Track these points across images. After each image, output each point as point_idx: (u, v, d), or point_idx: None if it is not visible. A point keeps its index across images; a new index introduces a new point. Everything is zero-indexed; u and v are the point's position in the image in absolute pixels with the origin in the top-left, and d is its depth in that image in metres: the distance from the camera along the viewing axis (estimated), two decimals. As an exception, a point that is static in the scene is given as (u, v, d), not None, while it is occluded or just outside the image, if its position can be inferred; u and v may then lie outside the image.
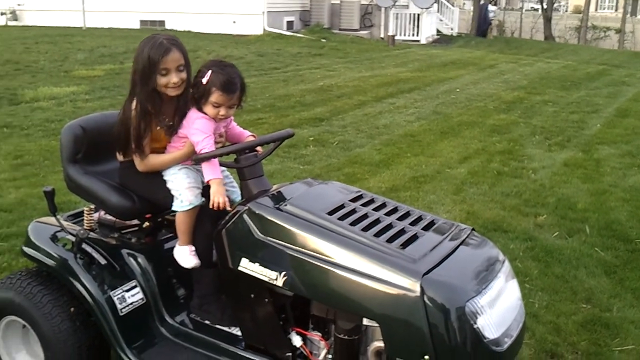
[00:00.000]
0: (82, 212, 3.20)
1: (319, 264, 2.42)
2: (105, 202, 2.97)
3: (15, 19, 22.25)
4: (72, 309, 2.87)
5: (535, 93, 12.47)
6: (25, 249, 3.07)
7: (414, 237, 2.51)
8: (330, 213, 2.57)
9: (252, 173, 2.79)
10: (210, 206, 2.74)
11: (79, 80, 11.54)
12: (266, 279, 2.54)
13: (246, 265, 2.60)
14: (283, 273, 2.50)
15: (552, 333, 3.85)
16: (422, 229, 2.58)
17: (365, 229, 2.49)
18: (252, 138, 3.02)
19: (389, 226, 2.56)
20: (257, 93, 11.34)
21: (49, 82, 11.15)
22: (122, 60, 14.09)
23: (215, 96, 2.76)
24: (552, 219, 5.76)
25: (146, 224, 3.11)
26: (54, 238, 3.04)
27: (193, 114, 2.84)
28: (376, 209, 2.68)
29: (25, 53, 14.43)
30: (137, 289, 2.94)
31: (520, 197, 6.37)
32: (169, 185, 2.89)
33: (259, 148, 2.92)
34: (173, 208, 2.87)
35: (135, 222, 3.15)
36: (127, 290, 2.91)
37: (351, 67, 15.54)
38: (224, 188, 2.77)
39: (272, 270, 2.53)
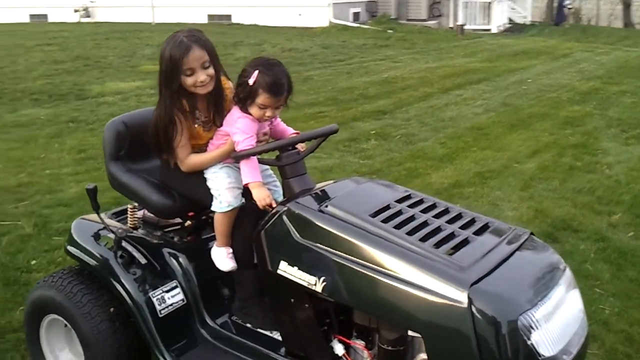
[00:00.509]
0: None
1: (359, 269, 2.25)
2: (146, 200, 2.90)
3: (88, 16, 22.91)
4: (111, 309, 2.81)
5: (612, 83, 11.83)
6: (69, 247, 3.04)
7: (465, 242, 2.31)
8: (374, 215, 2.40)
9: (294, 171, 2.65)
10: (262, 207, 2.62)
11: (145, 75, 11.70)
12: (305, 284, 2.39)
13: (285, 269, 2.47)
14: (322, 278, 2.35)
15: (624, 343, 3.56)
16: (474, 233, 2.37)
17: (411, 232, 2.31)
18: (295, 135, 2.87)
19: (437, 230, 2.36)
20: (320, 86, 11.23)
21: (116, 77, 11.36)
22: (188, 55, 14.23)
23: (262, 98, 2.63)
24: (627, 217, 5.38)
25: (188, 222, 3.03)
26: (96, 236, 2.99)
27: (236, 112, 2.72)
28: (424, 211, 2.49)
29: (95, 49, 14.79)
30: (178, 290, 2.86)
31: (593, 194, 6.00)
32: (209, 183, 2.78)
33: (301, 145, 2.77)
34: (212, 208, 2.76)
35: (178, 220, 3.07)
36: (167, 291, 2.83)
37: (417, 58, 15.20)
38: (265, 189, 2.63)
39: (311, 275, 2.38)
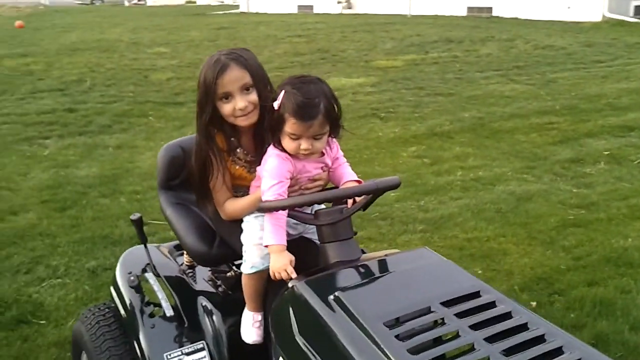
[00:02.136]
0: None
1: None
2: (182, 240, 2.44)
3: (350, 7, 23.42)
4: (129, 362, 2.42)
5: None
6: (112, 287, 2.71)
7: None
8: (393, 324, 1.63)
9: (333, 235, 1.99)
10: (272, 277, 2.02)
11: (374, 72, 11.37)
12: (298, 401, 1.74)
13: None
14: (313, 403, 1.67)
15: None
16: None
17: (433, 363, 1.51)
18: (352, 184, 2.17)
19: (484, 364, 1.53)
20: (562, 91, 9.84)
21: (343, 73, 11.18)
22: (427, 50, 13.64)
23: (289, 125, 1.99)
24: None
25: (231, 272, 2.51)
26: (136, 273, 2.62)
27: (269, 150, 2.12)
28: (480, 325, 1.64)
29: (340, 42, 14.88)
30: (203, 353, 2.36)
31: None
32: (242, 235, 2.23)
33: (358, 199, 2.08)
34: (241, 267, 2.21)
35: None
36: (189, 353, 2.33)
37: None
38: (286, 257, 1.99)
39: (303, 392, 1.72)
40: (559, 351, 1.57)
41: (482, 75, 11.17)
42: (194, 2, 39.98)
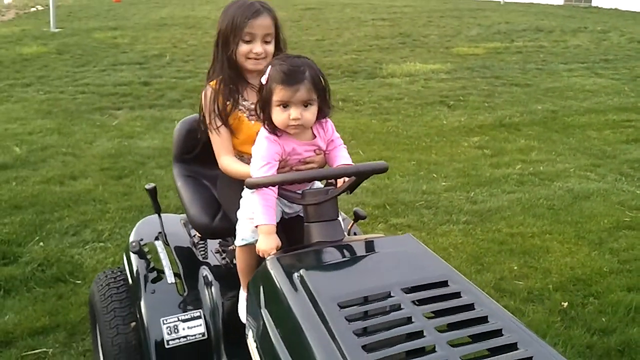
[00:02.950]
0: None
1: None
2: (186, 210, 2.54)
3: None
4: (132, 324, 2.53)
5: None
6: (124, 253, 2.83)
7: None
8: (348, 304, 1.64)
9: (317, 215, 2.01)
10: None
11: (452, 58, 11.13)
12: (258, 370, 1.78)
13: (250, 342, 1.90)
14: (268, 372, 1.71)
15: None
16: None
17: (372, 348, 1.50)
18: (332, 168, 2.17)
19: (429, 352, 1.51)
20: (649, 88, 9.35)
21: (419, 58, 11.00)
22: (513, 39, 13.22)
23: (276, 92, 2.02)
24: None
25: (233, 246, 2.57)
26: (149, 241, 2.73)
27: (260, 130, 2.16)
28: (439, 314, 1.62)
29: (424, 27, 14.62)
30: (199, 322, 2.43)
31: None
32: (238, 211, 2.28)
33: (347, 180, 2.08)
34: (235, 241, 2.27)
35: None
36: (185, 320, 2.42)
37: None
38: (274, 239, 2.02)
39: (262, 360, 1.76)
40: (512, 346, 1.53)
41: (565, 67, 10.74)
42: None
